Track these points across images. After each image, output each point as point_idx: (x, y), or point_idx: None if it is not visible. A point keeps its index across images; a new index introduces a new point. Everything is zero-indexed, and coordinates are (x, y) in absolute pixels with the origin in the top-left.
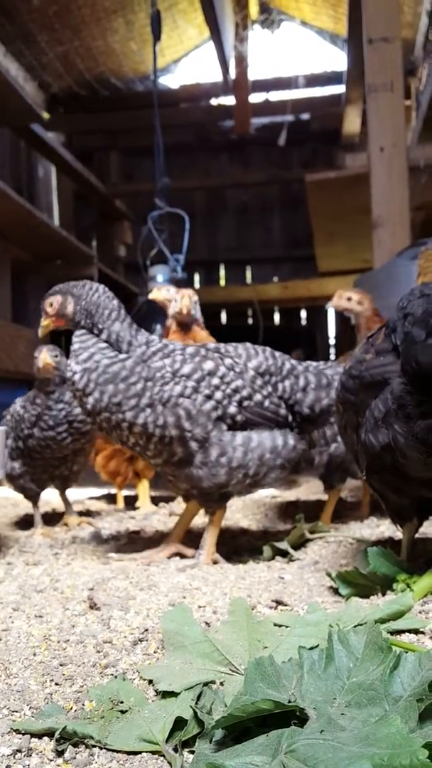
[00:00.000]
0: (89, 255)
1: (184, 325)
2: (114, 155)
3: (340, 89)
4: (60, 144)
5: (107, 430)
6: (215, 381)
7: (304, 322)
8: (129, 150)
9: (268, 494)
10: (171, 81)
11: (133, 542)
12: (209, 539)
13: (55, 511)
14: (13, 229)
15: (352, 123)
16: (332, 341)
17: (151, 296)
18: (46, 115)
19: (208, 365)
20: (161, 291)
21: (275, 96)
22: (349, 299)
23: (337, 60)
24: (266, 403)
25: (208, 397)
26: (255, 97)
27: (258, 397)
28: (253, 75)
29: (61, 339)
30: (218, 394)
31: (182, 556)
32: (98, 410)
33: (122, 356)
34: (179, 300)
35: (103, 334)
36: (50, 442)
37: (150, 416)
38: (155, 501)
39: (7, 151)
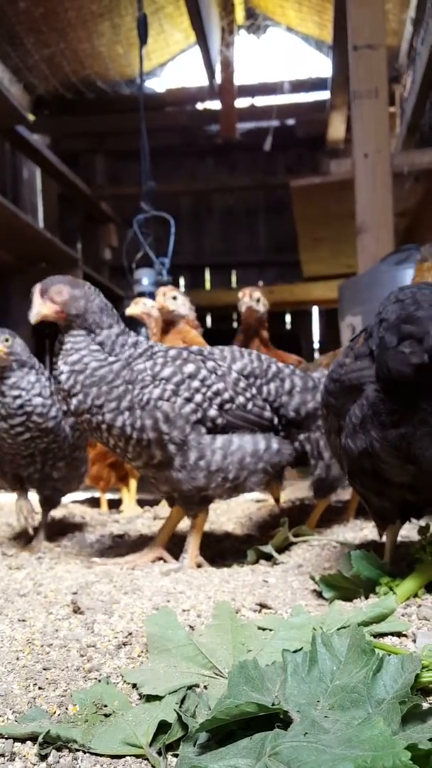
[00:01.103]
0: (74, 258)
1: (169, 323)
2: (100, 158)
3: (325, 95)
4: (45, 146)
5: (90, 431)
6: (195, 384)
7: (288, 326)
8: (115, 153)
9: (252, 498)
10: (157, 85)
11: (118, 546)
12: (192, 543)
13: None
14: None
15: (336, 129)
16: (316, 345)
17: (128, 312)
18: (31, 117)
19: (189, 368)
20: (138, 305)
21: (261, 101)
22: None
23: (323, 66)
24: (249, 406)
25: (188, 400)
26: (241, 102)
27: (241, 399)
28: (238, 80)
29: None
30: (198, 397)
31: (165, 561)
32: (80, 411)
33: (111, 359)
34: (188, 304)
35: (99, 337)
36: (4, 434)
37: (128, 419)
38: (141, 504)
39: None
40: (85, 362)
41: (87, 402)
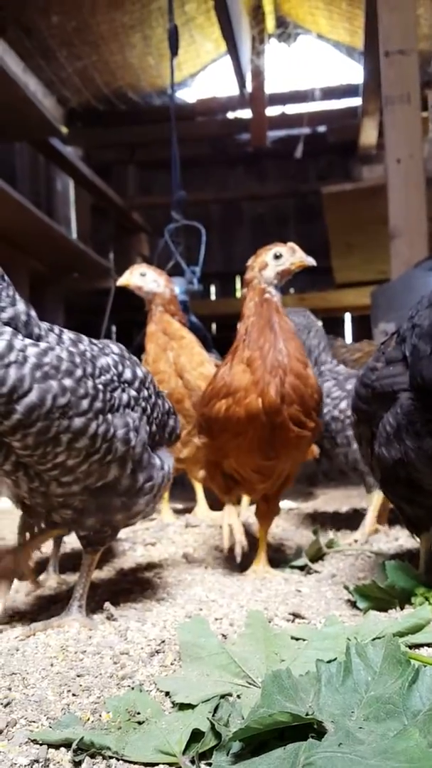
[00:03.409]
0: (106, 267)
1: (171, 309)
2: (131, 169)
3: (356, 102)
4: (78, 158)
5: (29, 448)
6: (145, 393)
7: None
8: (146, 163)
9: (284, 506)
10: (188, 95)
11: (149, 553)
12: (85, 585)
13: None
14: (31, 242)
15: (368, 135)
16: None
17: (120, 282)
18: (64, 130)
19: (141, 372)
20: (133, 275)
21: (292, 109)
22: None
23: (354, 72)
24: (160, 416)
25: (143, 411)
26: (271, 110)
27: (156, 410)
28: (269, 88)
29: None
30: (148, 408)
31: None
32: (34, 419)
33: (44, 344)
34: (162, 281)
35: (5, 314)
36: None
37: (102, 426)
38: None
39: (26, 166)
40: (18, 348)
41: (46, 403)
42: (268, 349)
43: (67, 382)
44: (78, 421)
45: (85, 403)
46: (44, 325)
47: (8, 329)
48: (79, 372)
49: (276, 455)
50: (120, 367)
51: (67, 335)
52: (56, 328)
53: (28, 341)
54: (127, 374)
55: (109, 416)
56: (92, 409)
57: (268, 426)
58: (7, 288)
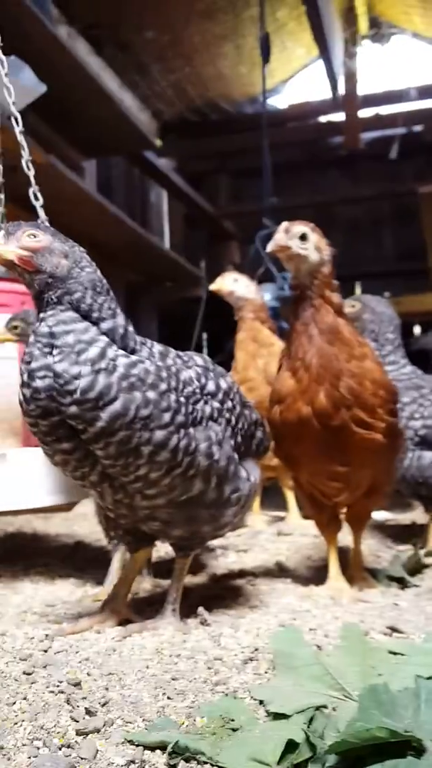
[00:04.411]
0: (198, 276)
1: (261, 316)
2: (223, 177)
3: None
4: (172, 169)
5: (111, 458)
6: (229, 404)
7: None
8: (238, 172)
9: (381, 518)
10: (280, 101)
11: (241, 560)
12: (178, 588)
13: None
14: (127, 253)
15: None
16: None
17: (212, 287)
18: (158, 143)
19: (224, 383)
20: (225, 281)
21: (386, 109)
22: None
23: None
24: (246, 427)
25: (228, 422)
26: (365, 112)
27: (242, 421)
28: (363, 90)
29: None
30: (233, 419)
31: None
32: (117, 428)
33: (135, 357)
34: (253, 288)
35: (105, 324)
36: None
37: (183, 439)
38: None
39: (122, 179)
40: (110, 357)
41: (129, 413)
42: (312, 355)
43: (151, 394)
44: (159, 434)
45: (167, 417)
46: (138, 338)
47: (104, 338)
48: (163, 386)
49: (347, 461)
50: (203, 380)
51: (157, 348)
52: (148, 342)
53: (120, 352)
54: (210, 386)
55: (191, 430)
56: (174, 422)
57: (324, 430)
58: (110, 301)
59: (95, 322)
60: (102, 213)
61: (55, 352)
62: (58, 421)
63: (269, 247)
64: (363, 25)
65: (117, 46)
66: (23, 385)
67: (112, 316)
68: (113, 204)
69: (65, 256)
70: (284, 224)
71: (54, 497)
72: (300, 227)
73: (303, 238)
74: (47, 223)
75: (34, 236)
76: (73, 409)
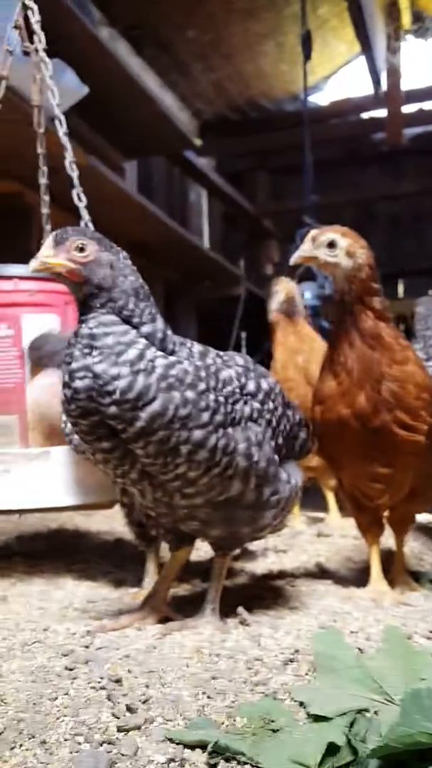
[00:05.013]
0: (237, 275)
1: (288, 315)
2: (262, 175)
3: None
4: (211, 168)
5: (151, 457)
6: (271, 405)
7: None
8: (278, 169)
9: (424, 519)
10: (321, 98)
11: (281, 561)
12: (217, 588)
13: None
14: (166, 252)
15: None
16: None
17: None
18: (198, 142)
19: (266, 384)
20: (287, 284)
21: (430, 105)
22: (331, 245)
23: None
24: (289, 428)
25: (268, 423)
26: (408, 107)
27: (285, 422)
28: (406, 85)
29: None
30: (273, 420)
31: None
32: (156, 428)
33: (173, 358)
34: (280, 290)
35: (145, 328)
36: None
37: (222, 439)
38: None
39: (162, 178)
40: (149, 358)
41: (168, 413)
42: (353, 361)
43: (190, 394)
44: (198, 433)
45: (205, 416)
46: (177, 339)
47: (143, 341)
48: (202, 386)
49: (389, 462)
50: (243, 379)
51: (197, 348)
52: (188, 342)
53: (159, 353)
54: (251, 386)
55: (230, 430)
56: (213, 422)
57: (365, 431)
58: (151, 306)
59: (136, 326)
60: (142, 213)
61: (94, 353)
62: (98, 421)
63: (293, 260)
64: (406, 19)
65: (158, 46)
66: (64, 385)
67: (152, 321)
68: (153, 204)
69: (111, 266)
70: (312, 232)
71: (94, 495)
72: (328, 235)
73: (331, 245)
74: (90, 225)
75: (83, 249)
76: (113, 409)
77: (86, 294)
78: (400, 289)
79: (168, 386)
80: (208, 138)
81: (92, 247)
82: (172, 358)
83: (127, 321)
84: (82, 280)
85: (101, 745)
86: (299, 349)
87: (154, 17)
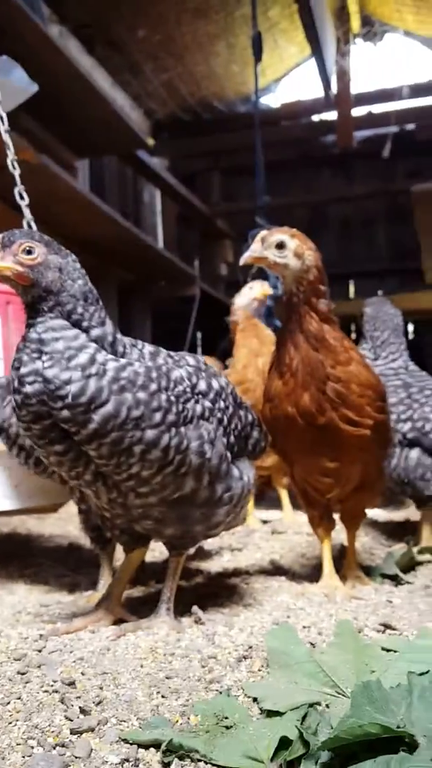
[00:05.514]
0: (192, 275)
1: (256, 315)
2: (216, 176)
3: None
4: (164, 168)
5: (104, 458)
6: (222, 404)
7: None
8: (231, 170)
9: (375, 515)
10: (272, 100)
11: (236, 558)
12: (171, 587)
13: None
14: (120, 252)
15: None
16: None
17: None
18: (151, 142)
19: (217, 383)
20: (261, 287)
21: (379, 108)
22: (280, 246)
23: None
24: (240, 426)
25: (220, 422)
26: (358, 111)
27: (236, 419)
28: (355, 89)
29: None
30: (225, 418)
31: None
32: (109, 429)
33: (124, 360)
34: (255, 290)
35: (95, 331)
36: None
37: (174, 438)
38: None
39: (115, 178)
40: (100, 362)
41: (121, 414)
42: (298, 362)
43: (142, 395)
44: (151, 433)
45: (158, 416)
46: (127, 340)
47: (93, 345)
48: (153, 386)
49: (337, 456)
50: (194, 379)
51: (147, 350)
52: (139, 343)
53: (109, 356)
54: (202, 385)
55: (182, 429)
56: (165, 422)
57: (311, 428)
58: (100, 310)
59: (85, 330)
60: (95, 212)
61: (44, 357)
62: (50, 425)
63: (242, 260)
64: (355, 23)
65: (109, 45)
66: (14, 390)
67: (101, 324)
68: (106, 203)
69: (59, 269)
70: (262, 233)
71: (36, 499)
72: (277, 236)
73: (280, 246)
74: (33, 223)
75: (30, 251)
76: (65, 413)
77: (34, 297)
78: (351, 289)
79: (120, 388)
80: (160, 138)
81: (40, 250)
82: (122, 361)
83: (76, 325)
84: (30, 283)
85: (54, 748)
86: (260, 351)
87: (105, 16)
